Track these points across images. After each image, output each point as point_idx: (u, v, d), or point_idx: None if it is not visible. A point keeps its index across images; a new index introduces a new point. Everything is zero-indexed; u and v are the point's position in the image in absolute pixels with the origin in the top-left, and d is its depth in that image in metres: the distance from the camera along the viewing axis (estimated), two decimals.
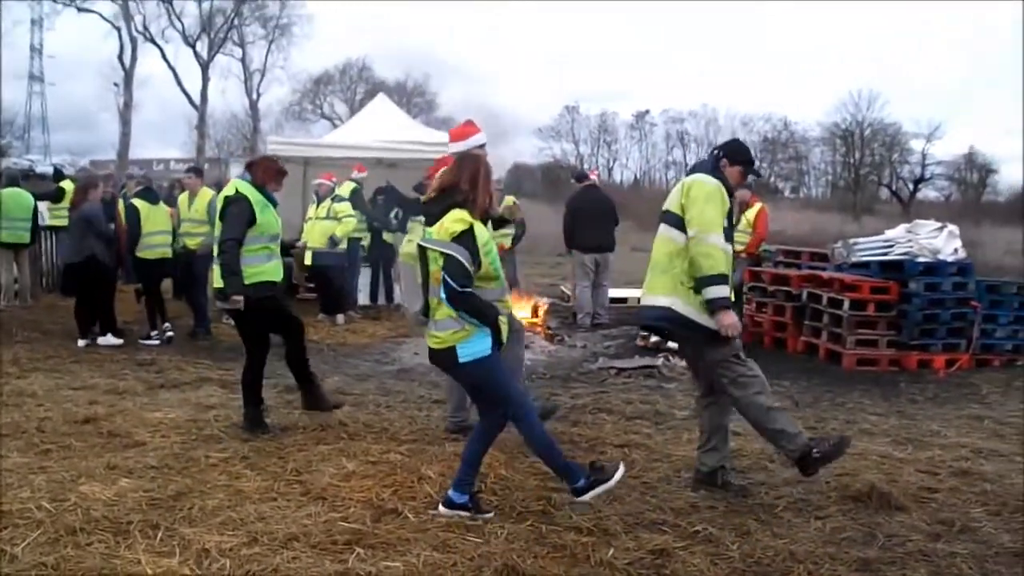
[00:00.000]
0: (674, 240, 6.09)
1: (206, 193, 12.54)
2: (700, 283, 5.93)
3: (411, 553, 5.01)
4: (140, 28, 56.48)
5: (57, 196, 16.17)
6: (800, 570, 5.00)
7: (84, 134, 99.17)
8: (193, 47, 58.87)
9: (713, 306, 5.93)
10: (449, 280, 5.26)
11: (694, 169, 6.48)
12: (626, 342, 12.41)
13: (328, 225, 13.96)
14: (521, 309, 14.01)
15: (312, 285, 15.93)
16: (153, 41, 57.23)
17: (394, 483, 6.13)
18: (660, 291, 6.07)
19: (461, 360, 5.45)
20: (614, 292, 15.52)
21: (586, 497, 5.57)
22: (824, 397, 9.80)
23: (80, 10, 55.36)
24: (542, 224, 24.26)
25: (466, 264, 5.27)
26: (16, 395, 8.62)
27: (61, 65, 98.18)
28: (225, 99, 74.81)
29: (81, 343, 11.52)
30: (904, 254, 12.05)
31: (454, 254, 5.26)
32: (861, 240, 13.22)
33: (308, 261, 14.42)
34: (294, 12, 61.88)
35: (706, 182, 6.13)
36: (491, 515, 5.63)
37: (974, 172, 70.21)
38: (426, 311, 5.64)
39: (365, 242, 15.59)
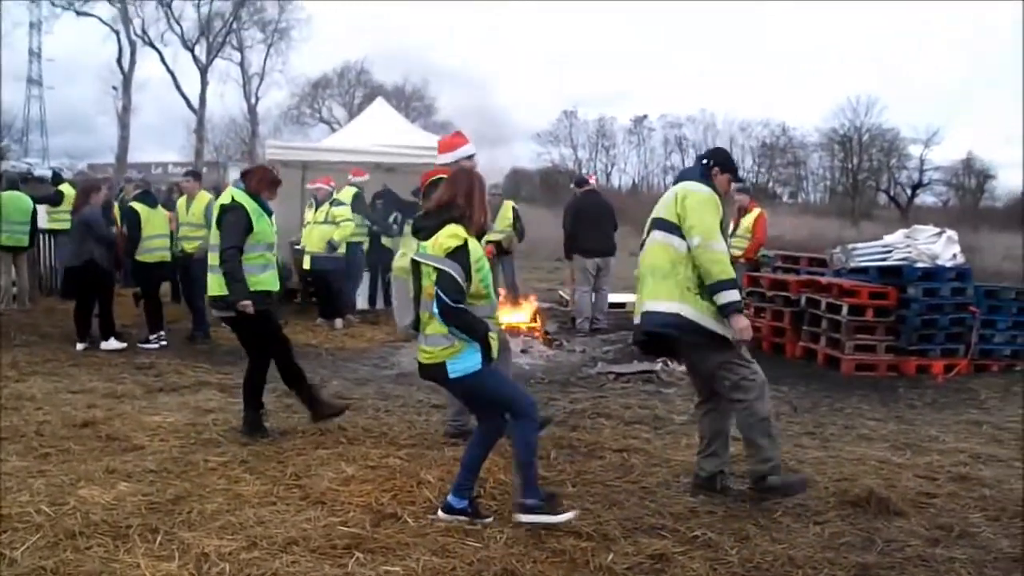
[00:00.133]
0: (675, 247, 6.07)
1: (204, 197, 12.55)
2: (713, 289, 5.94)
3: (410, 557, 5.01)
4: (139, 32, 56.53)
5: (56, 200, 16.18)
6: (799, 575, 5.00)
7: (82, 137, 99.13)
8: (192, 51, 58.93)
9: (727, 310, 5.95)
10: (442, 295, 5.25)
11: (682, 176, 6.53)
12: (625, 347, 12.39)
13: (327, 229, 13.96)
14: (519, 314, 14.06)
15: (311, 290, 15.95)
16: (152, 45, 57.28)
17: (393, 488, 6.13)
18: (664, 297, 6.04)
19: (451, 376, 5.44)
20: (613, 297, 15.51)
21: (526, 518, 5.49)
22: (823, 402, 9.80)
23: (79, 14, 55.35)
24: (540, 229, 24.29)
25: (459, 280, 5.26)
26: (15, 399, 8.62)
27: (60, 68, 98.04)
28: (223, 103, 75.11)
29: (80, 347, 11.52)
30: (903, 259, 12.04)
31: (448, 270, 5.26)
32: (860, 245, 13.21)
33: (307, 266, 14.42)
34: (292, 16, 61.90)
35: (699, 190, 6.15)
36: (490, 520, 5.63)
37: (972, 177, 70.35)
38: (416, 325, 5.64)
39: (366, 247, 15.58)
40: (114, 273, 12.05)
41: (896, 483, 6.70)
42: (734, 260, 13.86)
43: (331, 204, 14.15)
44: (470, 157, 7.37)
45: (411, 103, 65.17)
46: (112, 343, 11.55)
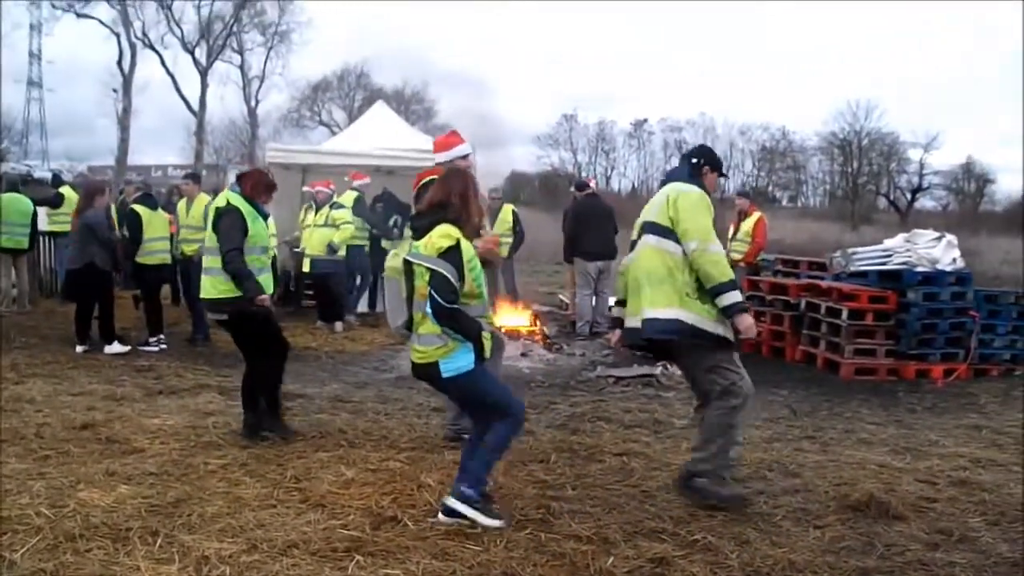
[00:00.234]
0: (670, 252, 6.04)
1: (203, 199, 12.54)
2: (714, 291, 5.94)
3: (410, 561, 5.01)
4: (139, 34, 56.54)
5: (56, 202, 16.18)
6: None
7: (82, 139, 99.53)
8: (192, 53, 58.94)
9: (731, 311, 5.96)
10: (436, 296, 5.25)
11: (670, 177, 6.49)
12: (625, 351, 12.40)
13: (327, 233, 13.96)
14: (519, 317, 14.05)
15: (309, 292, 15.97)
16: (152, 47, 57.28)
17: (393, 491, 6.13)
18: (664, 304, 6.01)
19: (444, 375, 5.46)
20: (613, 300, 15.49)
21: (454, 504, 5.51)
22: (822, 406, 9.80)
23: (79, 16, 55.36)
24: (540, 232, 24.28)
25: (452, 280, 5.26)
26: (15, 401, 8.62)
27: (60, 71, 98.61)
28: (223, 105, 74.64)
29: (80, 349, 11.51)
30: (903, 264, 12.05)
31: (441, 270, 5.26)
32: (860, 249, 13.22)
33: (307, 268, 14.42)
34: (293, 19, 61.93)
35: (691, 191, 6.15)
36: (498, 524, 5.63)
37: (971, 182, 70.42)
38: (409, 325, 5.64)
39: (367, 250, 15.58)
40: (113, 276, 12.02)
41: (896, 487, 6.70)
42: (734, 264, 13.99)
43: (331, 207, 14.15)
44: (465, 157, 7.37)
45: (411, 106, 65.22)
46: (115, 347, 11.53)
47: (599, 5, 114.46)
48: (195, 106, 59.60)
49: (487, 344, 5.50)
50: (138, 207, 12.27)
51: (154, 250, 12.16)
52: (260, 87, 64.02)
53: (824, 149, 74.08)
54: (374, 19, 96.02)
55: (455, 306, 5.28)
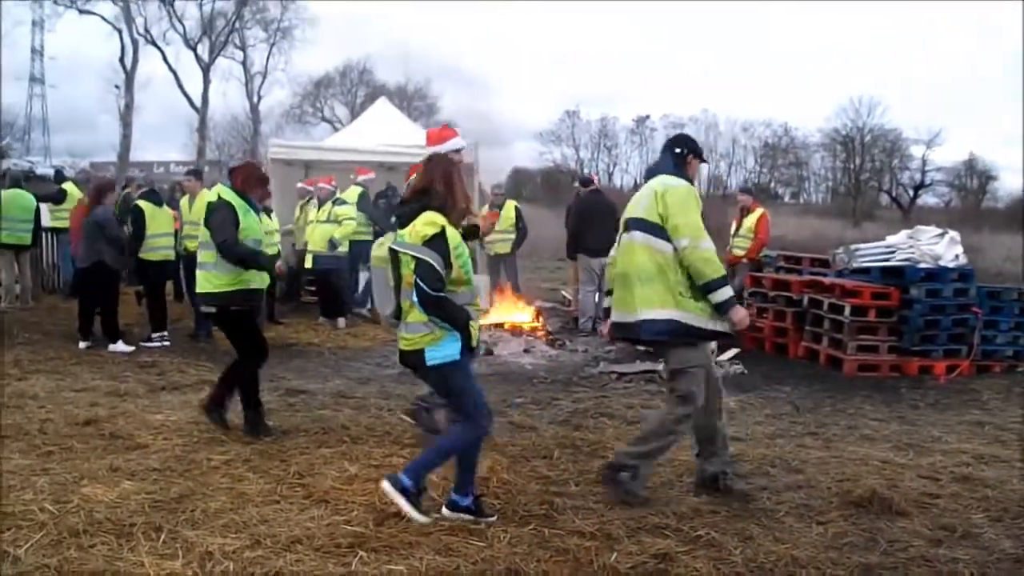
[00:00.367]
0: (661, 250, 6.01)
1: (206, 195, 12.53)
2: (706, 288, 5.94)
3: (414, 556, 5.01)
4: (141, 30, 56.36)
5: (59, 198, 16.19)
6: (802, 575, 5.01)
7: (85, 136, 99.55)
8: (194, 50, 58.81)
9: (725, 307, 5.97)
10: (421, 284, 5.21)
11: (655, 170, 6.43)
12: (627, 347, 12.40)
13: (329, 228, 13.97)
14: (522, 313, 14.07)
15: (311, 288, 15.99)
16: (154, 43, 57.13)
17: None
18: (658, 304, 5.99)
19: (429, 363, 5.41)
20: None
21: (388, 489, 5.45)
22: (825, 403, 9.80)
23: (81, 12, 55.20)
24: (542, 228, 24.27)
25: (438, 268, 5.22)
26: (18, 397, 8.63)
27: (62, 67, 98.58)
28: (226, 102, 74.75)
29: (82, 345, 11.52)
30: (905, 260, 12.05)
31: (426, 258, 5.22)
32: (863, 246, 13.21)
33: (309, 264, 14.43)
34: (295, 15, 61.85)
35: (678, 186, 6.11)
36: (494, 519, 5.63)
37: (974, 178, 70.37)
38: (398, 314, 5.59)
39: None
40: (120, 274, 12.02)
41: (899, 483, 6.70)
42: (737, 260, 13.99)
43: (334, 203, 14.16)
44: (459, 151, 7.36)
45: (413, 102, 65.19)
46: (119, 346, 11.52)
47: (603, 4, 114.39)
48: (197, 102, 59.50)
49: (475, 333, 5.46)
50: (142, 203, 12.27)
51: (157, 246, 12.16)
52: (262, 83, 63.90)
53: (827, 145, 74.12)
54: (377, 15, 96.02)
55: (441, 294, 5.24)
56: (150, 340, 12.03)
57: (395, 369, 11.01)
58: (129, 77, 55.87)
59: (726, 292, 5.96)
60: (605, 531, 5.51)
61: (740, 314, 6.06)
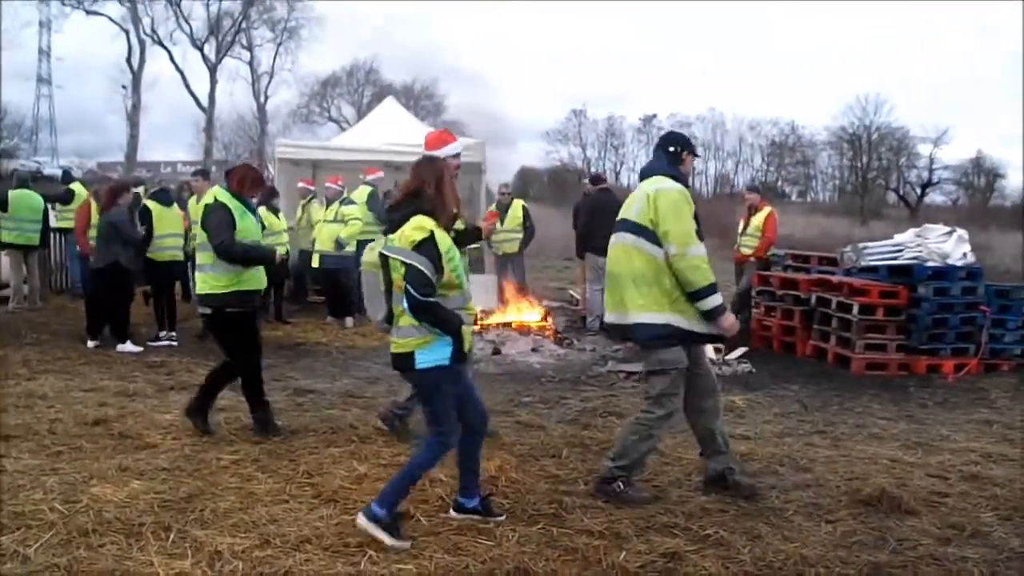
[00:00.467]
0: (654, 256, 6.00)
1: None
2: (694, 296, 5.93)
3: (423, 556, 5.02)
4: (148, 31, 56.70)
5: (66, 198, 16.21)
6: (811, 574, 5.00)
7: (92, 136, 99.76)
8: (201, 50, 59.07)
9: (714, 314, 5.97)
10: (411, 290, 5.13)
11: (650, 170, 6.38)
12: (635, 346, 12.39)
13: (336, 228, 14.00)
14: (530, 312, 14.06)
15: (317, 287, 16.03)
16: (161, 44, 57.44)
17: None
18: (655, 309, 6.00)
19: (418, 365, 5.31)
20: None
21: (368, 526, 5.24)
22: (833, 401, 9.79)
23: (88, 12, 55.54)
24: (549, 228, 24.26)
25: (427, 273, 5.14)
26: (27, 396, 8.65)
27: (69, 67, 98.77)
28: (233, 101, 74.86)
29: (91, 344, 11.55)
30: (913, 259, 12.02)
31: (415, 263, 5.14)
32: (871, 244, 13.19)
33: (316, 264, 14.45)
34: (302, 15, 61.96)
35: (670, 190, 6.07)
36: (502, 518, 5.64)
37: (981, 176, 70.24)
38: (390, 319, 5.52)
39: None
40: (134, 274, 12.02)
41: (908, 482, 6.69)
42: (745, 259, 13.96)
43: (341, 203, 14.18)
44: (456, 156, 7.36)
45: (420, 102, 65.25)
46: (128, 346, 11.54)
47: (610, 4, 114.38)
48: (204, 102, 59.80)
49: (467, 338, 5.42)
50: (150, 203, 12.31)
51: (165, 246, 12.19)
52: (269, 83, 64.19)
53: (833, 144, 74.12)
54: (383, 15, 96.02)
55: (431, 299, 5.16)
56: (157, 339, 12.06)
57: None
58: (136, 77, 56.16)
59: (715, 300, 5.95)
60: (614, 530, 5.51)
61: (729, 321, 6.07)
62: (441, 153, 6.82)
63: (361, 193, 14.98)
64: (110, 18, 55.78)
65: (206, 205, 7.60)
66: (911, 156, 69.72)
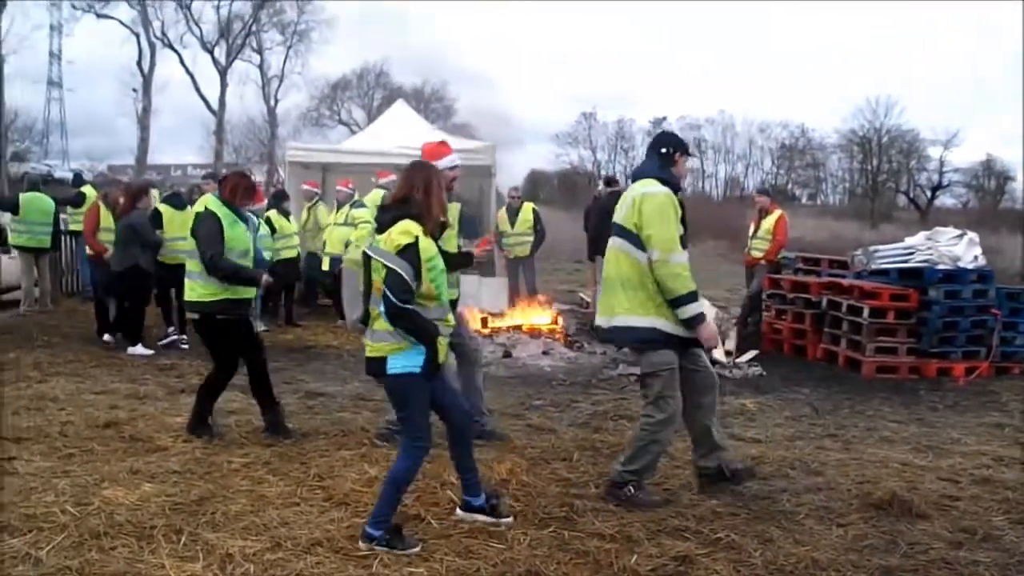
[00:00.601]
0: (639, 260, 6.02)
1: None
2: (674, 303, 5.94)
3: (434, 559, 5.03)
4: (158, 34, 56.77)
5: (77, 201, 16.23)
6: None
7: (102, 139, 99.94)
8: (211, 53, 59.15)
9: (693, 323, 5.97)
10: (389, 295, 5.09)
11: (640, 173, 6.37)
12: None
13: (346, 231, 13.97)
14: (540, 315, 14.07)
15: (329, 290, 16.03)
16: (171, 47, 57.51)
17: (416, 489, 6.10)
18: (640, 312, 6.01)
19: (389, 370, 5.26)
20: None
21: (368, 544, 5.21)
22: (844, 404, 9.77)
23: (99, 16, 55.62)
24: (560, 230, 24.28)
25: (408, 280, 5.10)
26: (38, 399, 8.68)
27: (80, 71, 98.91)
28: (243, 105, 74.90)
29: (107, 337, 11.70)
30: (924, 262, 12.00)
31: (396, 268, 5.10)
32: (881, 247, 13.16)
33: (326, 267, 14.46)
34: (312, 18, 62.04)
35: (655, 194, 6.05)
36: (510, 520, 5.63)
37: (992, 179, 70.06)
38: (365, 319, 5.47)
39: None
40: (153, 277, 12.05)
41: (919, 485, 6.68)
42: (755, 262, 13.94)
43: (351, 206, 14.19)
44: (453, 168, 7.35)
45: (430, 104, 65.29)
46: (139, 349, 11.56)
47: (620, 5, 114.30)
48: (214, 105, 59.86)
49: (442, 350, 5.37)
50: (161, 206, 12.35)
51: (175, 249, 12.20)
52: (279, 86, 64.25)
53: (844, 147, 73.98)
54: (393, 18, 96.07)
55: (409, 306, 5.11)
56: (166, 338, 12.10)
57: None
58: (146, 80, 56.27)
59: (694, 308, 5.95)
60: (625, 533, 5.51)
61: (709, 331, 6.08)
62: (440, 165, 6.80)
63: (375, 196, 14.92)
64: (120, 21, 55.94)
65: (197, 213, 7.61)
66: (921, 159, 69.61)
